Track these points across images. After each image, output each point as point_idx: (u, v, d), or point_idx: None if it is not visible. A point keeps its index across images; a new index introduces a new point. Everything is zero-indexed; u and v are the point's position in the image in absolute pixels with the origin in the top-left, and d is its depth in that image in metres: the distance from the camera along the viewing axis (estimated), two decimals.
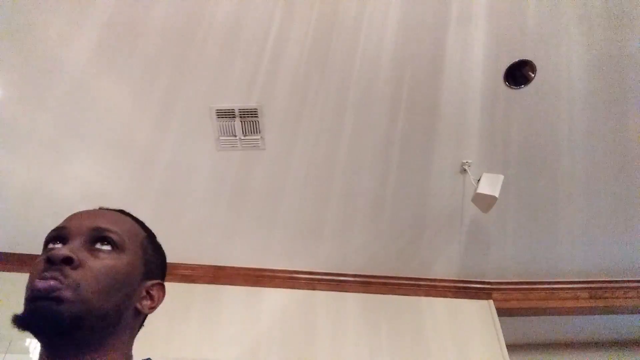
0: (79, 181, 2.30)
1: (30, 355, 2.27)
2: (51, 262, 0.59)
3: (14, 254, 2.64)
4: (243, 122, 2.06)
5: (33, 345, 2.28)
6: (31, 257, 2.63)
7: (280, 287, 2.72)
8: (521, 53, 1.85)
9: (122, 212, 0.75)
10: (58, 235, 0.66)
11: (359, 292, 2.74)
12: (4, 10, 1.71)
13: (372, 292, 2.75)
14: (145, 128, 2.10)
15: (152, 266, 0.72)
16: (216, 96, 1.98)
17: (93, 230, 0.66)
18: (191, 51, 1.84)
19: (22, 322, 0.56)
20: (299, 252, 2.66)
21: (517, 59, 1.86)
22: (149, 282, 0.70)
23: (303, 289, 2.73)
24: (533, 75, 1.91)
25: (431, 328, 2.63)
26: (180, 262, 2.69)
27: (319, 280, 2.75)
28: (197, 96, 1.98)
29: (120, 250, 0.66)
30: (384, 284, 2.77)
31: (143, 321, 0.72)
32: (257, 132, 2.10)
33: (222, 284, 2.71)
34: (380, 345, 2.54)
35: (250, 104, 2.01)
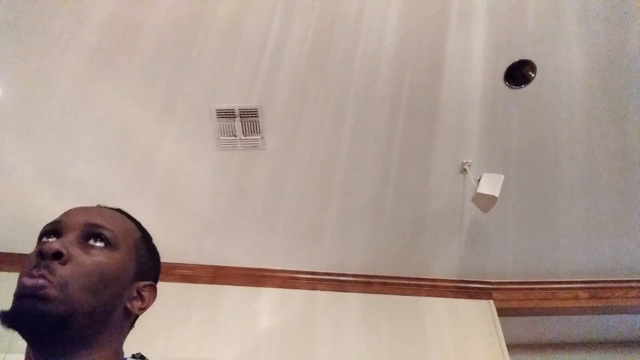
0: (78, 181, 2.30)
1: None
2: (42, 256, 0.59)
3: (13, 254, 2.64)
4: (243, 122, 2.06)
5: None
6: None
7: (280, 287, 2.72)
8: (521, 53, 1.85)
9: (119, 211, 0.74)
10: (53, 229, 0.66)
11: (359, 292, 2.74)
12: (5, 10, 1.71)
13: (372, 292, 2.75)
14: (146, 128, 2.10)
15: (144, 267, 0.71)
16: (216, 96, 1.98)
17: (87, 225, 0.65)
18: (191, 51, 1.84)
19: (7, 319, 0.56)
20: (299, 252, 2.66)
21: (517, 59, 1.86)
22: (141, 283, 0.70)
23: (303, 289, 2.72)
24: (533, 75, 1.91)
25: (431, 328, 2.63)
26: (180, 262, 2.69)
27: (319, 280, 2.75)
28: (197, 96, 1.98)
29: (113, 248, 0.65)
30: (384, 284, 2.77)
31: (134, 322, 0.72)
32: (257, 132, 2.10)
33: (222, 284, 2.70)
34: (380, 345, 2.54)
35: (250, 104, 2.01)
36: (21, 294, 0.57)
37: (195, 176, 2.28)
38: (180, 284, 2.65)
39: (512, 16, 1.75)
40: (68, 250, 0.61)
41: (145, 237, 0.75)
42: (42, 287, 0.57)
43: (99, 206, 0.73)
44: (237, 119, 2.05)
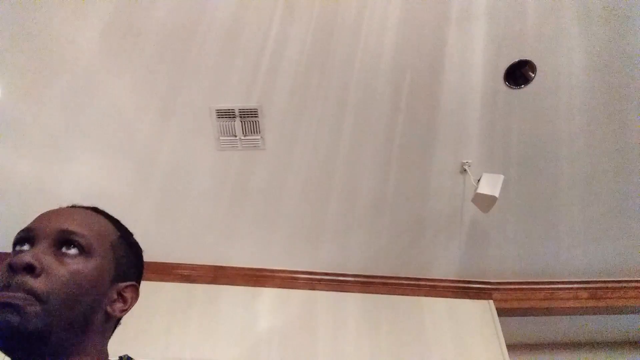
0: (79, 181, 2.30)
1: None
2: (13, 270, 0.57)
3: None
4: (243, 122, 2.06)
5: None
6: None
7: (280, 287, 2.72)
8: (521, 53, 1.85)
9: (95, 210, 0.72)
10: (25, 236, 0.64)
11: (359, 292, 2.74)
12: (7, 8, 1.71)
13: (372, 292, 2.75)
14: (146, 128, 2.10)
15: (124, 268, 0.69)
16: (216, 96, 1.98)
17: (59, 232, 0.63)
18: (191, 51, 1.84)
19: None
20: (299, 252, 2.66)
21: (517, 59, 1.86)
22: (122, 285, 0.68)
23: (303, 289, 2.72)
24: (533, 75, 1.91)
25: (431, 328, 2.63)
26: (180, 262, 2.69)
27: (319, 280, 2.75)
28: (197, 96, 1.98)
29: (87, 253, 0.63)
30: (384, 284, 2.77)
31: (117, 323, 0.71)
32: (257, 132, 2.10)
33: (222, 284, 2.70)
34: (380, 345, 2.54)
35: (250, 104, 2.01)
36: None
37: (195, 176, 2.28)
38: (180, 284, 2.65)
39: (512, 16, 1.75)
40: (41, 261, 0.59)
41: (123, 236, 0.72)
42: (17, 305, 0.55)
43: (73, 206, 0.71)
44: (237, 119, 2.05)
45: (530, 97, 1.98)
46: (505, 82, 1.93)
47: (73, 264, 0.61)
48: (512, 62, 1.87)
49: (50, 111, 2.03)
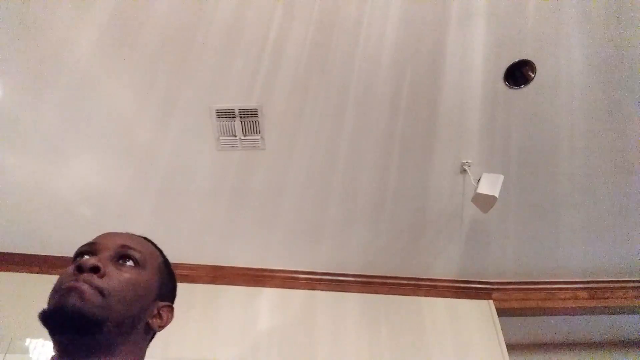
0: (79, 181, 2.30)
1: (30, 355, 2.27)
2: (80, 269, 0.66)
3: (12, 254, 2.64)
4: (243, 122, 2.06)
5: (33, 345, 2.28)
6: (29, 258, 2.63)
7: (280, 287, 2.72)
8: (521, 53, 1.85)
9: (144, 238, 0.83)
10: (88, 249, 0.74)
11: (359, 292, 2.74)
12: (7, 8, 1.71)
13: (372, 292, 2.75)
14: (146, 128, 2.10)
15: (165, 288, 0.80)
16: (216, 96, 1.98)
17: (120, 247, 0.73)
18: (191, 51, 1.84)
19: (47, 315, 0.62)
20: (299, 252, 2.66)
21: (517, 59, 1.86)
22: (161, 303, 0.78)
23: (303, 289, 2.73)
24: (533, 75, 1.91)
25: (431, 328, 2.63)
26: (180, 262, 2.69)
27: (319, 280, 2.75)
28: (197, 96, 1.98)
29: (141, 267, 0.74)
30: (384, 284, 2.77)
31: (152, 338, 0.78)
32: (257, 132, 2.10)
33: (221, 284, 2.71)
34: (380, 345, 2.54)
35: (250, 104, 2.01)
36: (63, 294, 0.63)
37: (195, 176, 2.28)
38: (180, 284, 2.62)
39: (512, 16, 1.75)
40: (104, 264, 0.69)
41: (165, 262, 0.84)
42: (85, 291, 0.64)
43: (127, 233, 0.81)
44: (237, 119, 2.05)
45: (530, 97, 1.98)
46: (505, 82, 1.93)
47: (130, 273, 0.71)
48: (512, 62, 1.87)
49: (50, 111, 2.03)
